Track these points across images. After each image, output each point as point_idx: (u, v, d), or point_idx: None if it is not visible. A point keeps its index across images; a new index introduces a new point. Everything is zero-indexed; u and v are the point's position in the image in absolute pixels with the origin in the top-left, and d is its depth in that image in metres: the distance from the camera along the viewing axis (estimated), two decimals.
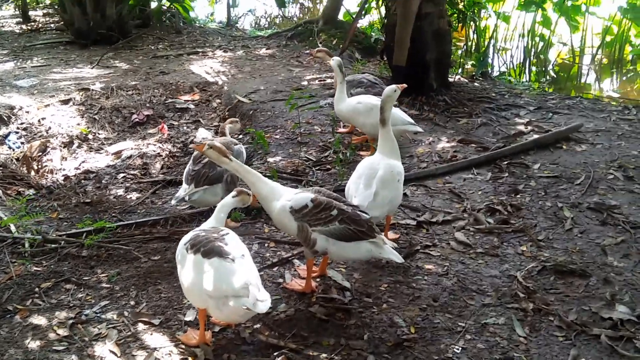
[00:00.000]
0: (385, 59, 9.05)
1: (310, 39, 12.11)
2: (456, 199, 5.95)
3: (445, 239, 5.27)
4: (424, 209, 5.75)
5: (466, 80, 10.00)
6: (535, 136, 7.11)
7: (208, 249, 3.64)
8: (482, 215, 5.60)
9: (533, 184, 6.10)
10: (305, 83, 9.40)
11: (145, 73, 10.37)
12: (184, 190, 5.13)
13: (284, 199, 4.23)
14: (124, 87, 9.59)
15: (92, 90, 9.37)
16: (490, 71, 11.91)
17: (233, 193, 4.18)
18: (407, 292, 4.50)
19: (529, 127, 7.50)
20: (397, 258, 4.19)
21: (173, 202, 5.26)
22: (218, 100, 9.31)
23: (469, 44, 13.40)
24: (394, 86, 5.03)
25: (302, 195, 4.24)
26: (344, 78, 6.93)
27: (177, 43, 12.68)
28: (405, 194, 6.00)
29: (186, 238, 3.88)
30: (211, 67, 10.55)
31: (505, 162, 6.58)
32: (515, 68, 13.18)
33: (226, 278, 3.51)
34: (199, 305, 3.74)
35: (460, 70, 11.26)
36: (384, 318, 4.20)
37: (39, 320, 4.02)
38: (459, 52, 13.34)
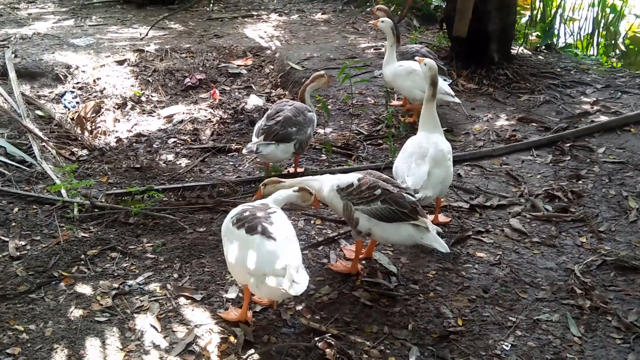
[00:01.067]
0: (445, 28, 8.66)
1: (368, 4, 11.73)
2: (513, 182, 5.68)
3: (499, 225, 5.04)
4: (478, 191, 5.51)
5: (530, 53, 9.51)
6: (603, 118, 6.70)
7: (252, 225, 3.55)
8: (540, 201, 5.33)
9: (597, 170, 5.76)
10: (359, 51, 9.12)
11: (200, 36, 10.27)
12: (253, 142, 5.22)
13: (332, 180, 4.21)
14: (177, 50, 9.53)
15: (147, 51, 9.33)
16: (556, 42, 11.33)
17: (295, 188, 4.08)
18: (456, 280, 4.32)
19: (595, 107, 7.08)
20: (442, 247, 3.97)
21: (245, 152, 5.30)
22: (271, 66, 9.15)
23: (535, 12, 12.75)
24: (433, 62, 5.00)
25: (349, 175, 4.22)
26: (394, 41, 6.73)
27: (232, 5, 12.50)
28: (459, 175, 5.78)
29: (233, 212, 3.80)
30: (265, 32, 10.36)
31: (568, 145, 6.23)
32: (582, 40, 12.49)
33: (266, 257, 3.42)
34: (240, 281, 3.70)
35: (523, 42, 10.71)
36: (430, 307, 4.05)
37: (83, 288, 4.04)
38: (523, 20, 12.72)
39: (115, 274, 4.20)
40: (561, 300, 4.15)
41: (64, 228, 4.72)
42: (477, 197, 5.44)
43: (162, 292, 4.01)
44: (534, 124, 6.79)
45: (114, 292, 3.97)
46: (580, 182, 5.61)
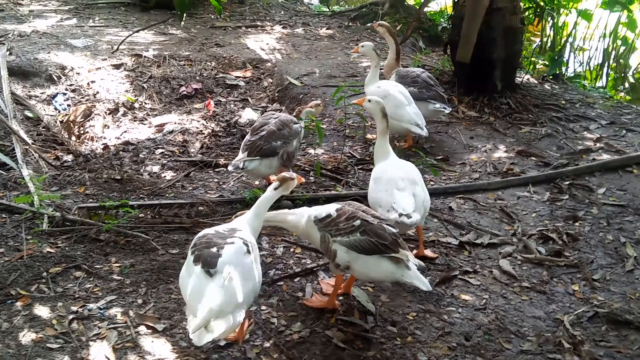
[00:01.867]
0: (449, 52, 8.44)
1: (374, 21, 11.53)
2: (506, 220, 5.44)
3: (488, 265, 4.79)
4: (469, 227, 5.27)
5: (536, 82, 9.29)
6: (605, 157, 6.45)
7: (199, 255, 3.35)
8: (534, 242, 5.08)
9: (595, 212, 5.51)
10: (361, 70, 8.91)
11: (201, 43, 10.08)
12: (238, 158, 5.15)
13: (309, 212, 4.02)
14: (176, 57, 9.34)
15: (145, 57, 9.15)
16: (564, 71, 11.12)
17: (275, 184, 3.88)
18: (436, 325, 4.07)
19: (598, 145, 6.83)
20: (423, 285, 3.73)
21: (230, 168, 5.18)
22: (270, 80, 8.95)
23: (544, 40, 12.55)
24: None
25: (327, 206, 4.04)
26: (378, 62, 6.68)
27: (237, 14, 12.32)
28: (450, 208, 5.55)
29: (198, 235, 3.60)
30: (267, 44, 10.17)
31: (567, 182, 5.99)
32: (591, 71, 12.28)
33: (193, 292, 3.23)
34: None
35: (530, 70, 10.51)
36: (407, 353, 3.80)
37: (40, 310, 3.80)
38: (533, 47, 12.52)
39: (77, 296, 3.96)
40: (547, 354, 3.89)
41: (30, 241, 4.49)
42: (467, 233, 5.19)
43: (123, 319, 3.77)
44: (534, 158, 6.55)
45: (71, 316, 3.73)
46: (577, 223, 5.36)
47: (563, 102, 8.18)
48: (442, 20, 12.22)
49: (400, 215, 4.25)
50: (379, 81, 6.64)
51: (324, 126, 7.26)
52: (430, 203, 5.48)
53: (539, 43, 12.58)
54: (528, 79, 9.16)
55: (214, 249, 3.35)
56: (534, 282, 4.60)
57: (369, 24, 11.45)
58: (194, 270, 3.30)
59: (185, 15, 10.82)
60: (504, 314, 4.23)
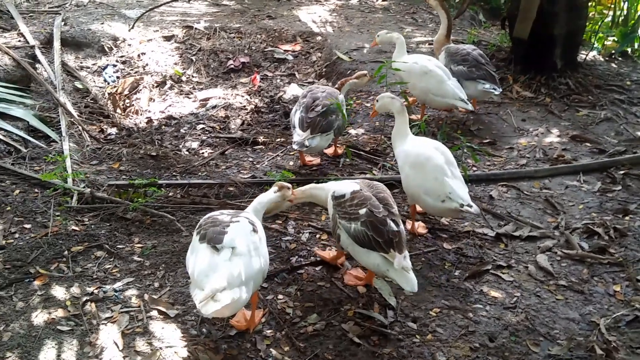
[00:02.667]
0: (507, 28, 7.99)
1: None
2: (550, 211, 5.12)
3: (524, 260, 4.53)
4: (509, 217, 5.00)
5: (602, 59, 8.71)
6: None
7: (204, 233, 3.37)
8: (577, 236, 4.77)
9: None
10: (413, 45, 8.58)
11: (253, 15, 9.95)
12: (299, 135, 5.30)
13: (334, 186, 4.02)
14: (227, 29, 9.26)
15: (195, 29, 9.11)
16: (637, 46, 10.37)
17: (274, 188, 3.94)
18: (460, 323, 3.88)
19: None
20: (407, 285, 3.58)
21: (295, 147, 5.31)
22: (319, 54, 8.75)
23: (617, 13, 11.74)
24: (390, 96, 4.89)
25: (347, 185, 3.98)
26: (402, 39, 6.44)
27: None
28: (490, 197, 5.27)
29: (204, 217, 3.62)
30: (319, 16, 9.93)
31: (622, 172, 5.59)
32: None
33: (198, 267, 3.23)
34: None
35: (597, 45, 9.84)
36: (424, 352, 3.63)
37: (56, 290, 3.83)
38: (603, 21, 11.73)
39: (94, 277, 3.98)
40: None
41: (58, 218, 4.55)
42: (506, 224, 4.93)
43: (137, 303, 3.76)
44: (588, 144, 6.14)
45: (85, 297, 3.75)
46: (627, 217, 4.99)
47: (628, 82, 7.62)
48: None
49: (462, 205, 4.23)
50: (408, 56, 6.38)
51: (369, 104, 7.04)
52: (470, 190, 5.29)
53: (611, 17, 11.78)
54: (593, 57, 8.58)
55: (220, 227, 3.36)
56: (572, 280, 4.32)
57: None
58: (199, 247, 3.32)
59: None
60: (535, 314, 3.99)
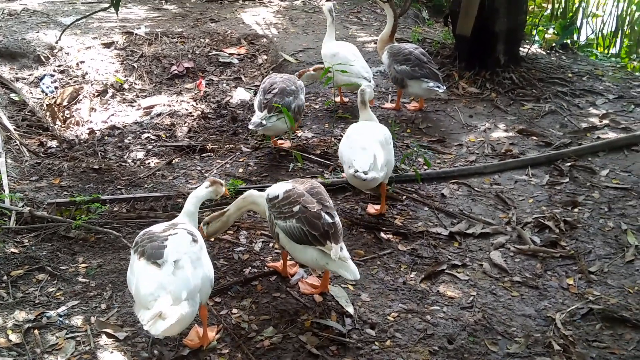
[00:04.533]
0: (450, 25, 8.05)
1: None
2: (501, 206, 5.16)
3: (478, 258, 4.54)
4: (461, 215, 5.00)
5: (543, 52, 8.87)
6: (611, 135, 6.11)
7: (143, 249, 3.26)
8: (528, 231, 4.81)
9: (596, 196, 5.21)
10: (359, 45, 8.53)
11: (195, 19, 9.76)
12: (258, 116, 5.46)
13: (270, 188, 4.01)
14: (169, 34, 9.05)
15: (136, 34, 8.87)
16: (576, 38, 10.62)
17: (207, 184, 3.86)
18: (419, 326, 3.84)
19: (604, 121, 6.47)
20: (350, 274, 3.57)
21: (251, 127, 5.47)
22: (264, 57, 8.63)
23: (556, 6, 12.01)
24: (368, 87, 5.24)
25: (280, 185, 3.96)
26: (333, 21, 6.94)
27: None
28: (442, 195, 5.27)
29: (139, 234, 3.50)
30: (264, 18, 9.80)
31: (568, 164, 5.67)
32: (604, 38, 11.74)
33: (141, 285, 3.10)
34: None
35: (537, 38, 10.04)
36: (384, 359, 3.58)
37: None
38: (542, 15, 11.98)
39: (37, 302, 3.77)
40: (535, 357, 3.65)
41: None
42: (459, 222, 4.93)
43: (83, 327, 3.58)
44: (535, 138, 6.22)
45: (28, 325, 3.54)
46: (576, 209, 5.07)
47: (570, 75, 7.78)
48: None
49: (356, 171, 4.46)
50: (334, 42, 6.86)
51: (317, 106, 6.98)
52: (421, 189, 5.29)
53: (550, 10, 12.06)
54: (535, 51, 8.73)
55: (158, 242, 3.26)
56: (526, 275, 4.35)
57: None
58: (139, 265, 3.20)
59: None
60: (491, 313, 3.99)
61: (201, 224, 4.01)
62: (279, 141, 6.00)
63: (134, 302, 3.25)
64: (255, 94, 7.68)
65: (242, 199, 4.08)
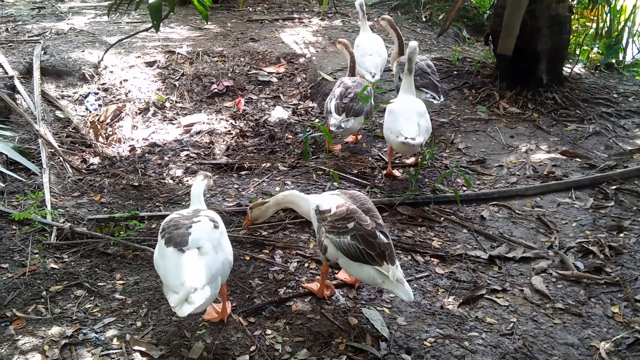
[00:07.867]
0: (491, 44, 7.95)
1: (416, 11, 11.07)
2: (543, 230, 5.02)
3: (519, 283, 4.41)
4: (502, 239, 4.88)
5: (587, 73, 8.69)
6: None
7: (169, 237, 3.51)
8: (572, 256, 4.66)
9: None
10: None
11: (235, 38, 9.88)
12: (336, 119, 6.01)
13: (316, 199, 4.04)
14: (210, 53, 9.18)
15: (178, 53, 9.01)
16: (622, 58, 10.37)
17: (200, 177, 4.19)
18: (456, 352, 3.73)
19: None
20: (405, 295, 3.56)
21: (332, 128, 6.01)
22: (303, 75, 8.67)
23: (600, 25, 11.77)
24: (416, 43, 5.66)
25: (331, 198, 3.96)
26: (364, 15, 7.66)
27: (276, 6, 12.07)
28: (482, 217, 5.16)
29: (165, 219, 3.77)
30: (303, 37, 9.87)
31: (614, 187, 5.51)
32: None
33: (169, 270, 3.37)
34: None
35: (581, 58, 9.84)
36: None
37: (33, 334, 3.62)
38: (587, 34, 11.75)
39: (74, 318, 3.79)
40: None
41: (36, 256, 4.37)
42: (499, 245, 4.81)
43: (118, 344, 3.59)
44: (578, 160, 6.06)
45: (64, 341, 3.56)
46: (621, 234, 4.90)
47: (615, 95, 7.59)
48: (487, 8, 11.64)
49: (406, 138, 5.19)
50: (363, 34, 7.59)
51: None
52: (460, 211, 5.20)
53: (594, 29, 11.82)
54: (579, 70, 8.56)
55: (183, 229, 3.51)
56: (568, 302, 4.20)
57: (410, 14, 11.00)
58: (166, 252, 3.44)
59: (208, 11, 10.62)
60: (532, 341, 3.86)
61: (247, 208, 4.37)
62: (337, 147, 6.52)
63: (162, 284, 3.54)
64: (293, 113, 7.74)
65: (283, 196, 4.21)
